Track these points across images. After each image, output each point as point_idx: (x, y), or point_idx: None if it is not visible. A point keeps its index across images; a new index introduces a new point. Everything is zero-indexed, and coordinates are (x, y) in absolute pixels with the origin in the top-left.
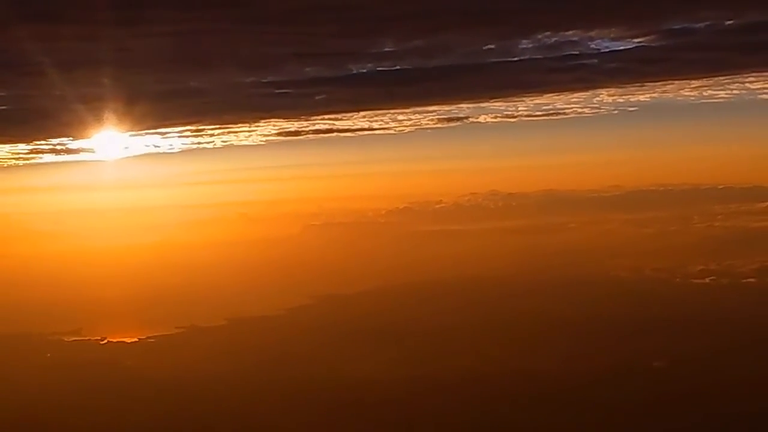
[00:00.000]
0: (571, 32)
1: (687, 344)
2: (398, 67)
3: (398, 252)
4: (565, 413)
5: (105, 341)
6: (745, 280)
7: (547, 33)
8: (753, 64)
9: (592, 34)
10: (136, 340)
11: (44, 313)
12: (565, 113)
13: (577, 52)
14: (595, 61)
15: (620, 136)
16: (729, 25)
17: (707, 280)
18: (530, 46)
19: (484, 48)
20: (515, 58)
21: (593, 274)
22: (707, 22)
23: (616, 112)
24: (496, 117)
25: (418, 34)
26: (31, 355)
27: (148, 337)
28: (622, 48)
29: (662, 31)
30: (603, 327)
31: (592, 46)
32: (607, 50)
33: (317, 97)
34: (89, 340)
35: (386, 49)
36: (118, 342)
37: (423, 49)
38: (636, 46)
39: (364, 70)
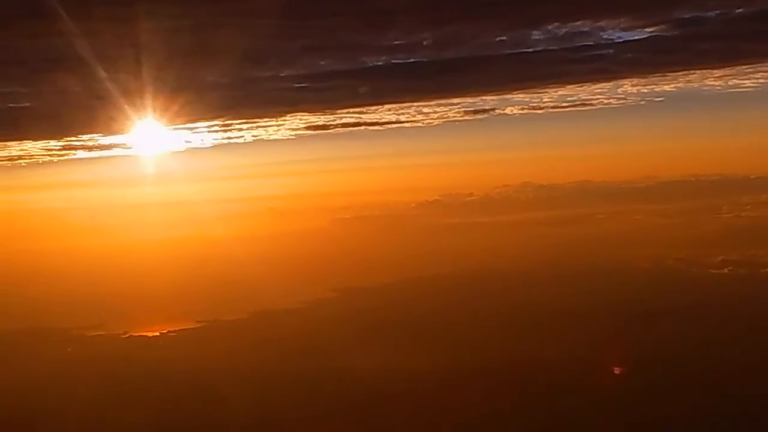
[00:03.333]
0: (579, 22)
1: (691, 334)
2: (413, 60)
3: (428, 244)
4: (588, 402)
5: (127, 335)
6: (763, 270)
7: (556, 24)
8: None
9: (602, 24)
10: (158, 334)
11: (69, 308)
12: (591, 104)
13: (591, 43)
14: (611, 51)
15: (649, 127)
16: (739, 13)
17: (725, 270)
18: (542, 37)
19: (496, 40)
20: (530, 50)
21: (615, 265)
22: (717, 11)
23: (642, 102)
24: (522, 109)
25: (426, 27)
26: (51, 349)
27: (170, 331)
28: (635, 38)
29: (672, 21)
30: (617, 316)
31: (605, 36)
32: (621, 40)
33: (340, 91)
34: (111, 334)
35: (396, 42)
36: (139, 336)
37: (433, 41)
38: (649, 36)
39: (380, 63)
